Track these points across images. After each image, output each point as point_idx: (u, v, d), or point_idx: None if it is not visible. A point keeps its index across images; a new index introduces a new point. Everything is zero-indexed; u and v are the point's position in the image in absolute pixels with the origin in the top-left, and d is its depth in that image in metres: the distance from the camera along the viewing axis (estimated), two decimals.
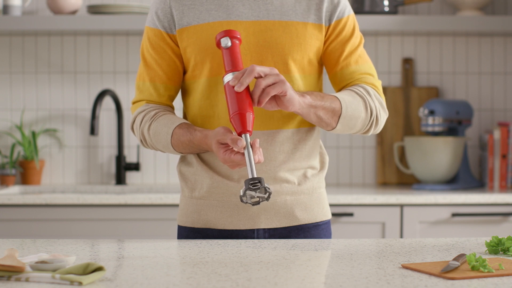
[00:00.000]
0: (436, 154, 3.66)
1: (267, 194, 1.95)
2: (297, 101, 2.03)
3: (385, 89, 3.96)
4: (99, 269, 1.61)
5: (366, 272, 1.69)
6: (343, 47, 2.22)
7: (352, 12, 2.24)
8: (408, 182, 3.97)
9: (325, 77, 3.93)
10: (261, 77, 1.99)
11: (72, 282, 1.57)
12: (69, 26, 3.68)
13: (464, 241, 2.10)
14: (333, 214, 3.40)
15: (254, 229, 2.19)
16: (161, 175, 3.98)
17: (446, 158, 3.66)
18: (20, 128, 3.89)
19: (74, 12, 3.80)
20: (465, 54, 4.01)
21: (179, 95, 3.85)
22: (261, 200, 1.96)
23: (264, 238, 2.19)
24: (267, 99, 1.99)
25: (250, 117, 1.96)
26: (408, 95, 3.97)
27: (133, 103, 2.27)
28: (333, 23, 2.19)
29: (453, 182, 3.78)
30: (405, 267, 1.74)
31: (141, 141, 2.24)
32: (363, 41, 2.26)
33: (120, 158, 3.90)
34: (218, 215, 2.20)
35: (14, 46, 3.94)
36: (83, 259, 1.86)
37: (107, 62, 3.96)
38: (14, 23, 3.67)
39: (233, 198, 2.18)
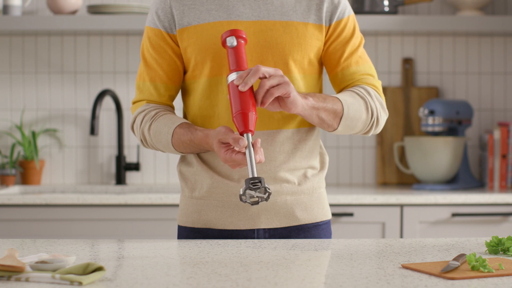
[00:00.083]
0: (436, 154, 3.66)
1: (267, 194, 1.95)
2: (300, 103, 2.04)
3: (385, 89, 3.96)
4: (99, 269, 1.61)
5: (366, 272, 1.69)
6: (343, 48, 2.22)
7: (352, 13, 2.24)
8: (408, 182, 3.97)
9: (325, 77, 3.93)
10: (265, 77, 1.99)
11: (72, 282, 1.57)
12: (69, 26, 3.68)
13: (464, 241, 2.10)
14: (333, 214, 3.40)
15: (254, 229, 2.19)
16: (161, 175, 3.98)
17: (446, 158, 3.66)
18: (20, 128, 3.89)
19: (74, 12, 3.80)
20: (465, 54, 4.01)
21: (179, 95, 3.85)
22: (260, 200, 1.96)
23: (264, 238, 2.19)
24: (270, 99, 1.99)
25: (253, 117, 1.96)
26: (408, 95, 3.97)
27: (133, 103, 2.27)
28: (333, 23, 2.19)
29: (453, 182, 3.78)
30: (405, 267, 1.74)
31: (141, 141, 2.24)
32: (363, 41, 2.26)
33: (120, 158, 3.90)
34: (218, 215, 2.20)
35: (14, 46, 3.94)
36: (83, 259, 1.86)
37: (107, 62, 3.96)
38: (14, 23, 3.67)
39: (233, 198, 2.18)
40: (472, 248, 2.00)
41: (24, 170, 3.87)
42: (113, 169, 3.97)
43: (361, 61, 2.24)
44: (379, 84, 2.25)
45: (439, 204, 3.46)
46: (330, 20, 2.20)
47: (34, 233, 3.41)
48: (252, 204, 1.96)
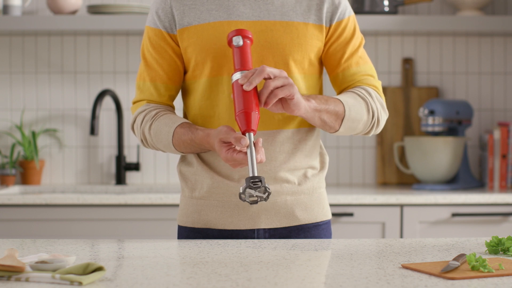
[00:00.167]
0: (436, 154, 3.66)
1: (266, 194, 1.95)
2: (303, 106, 2.04)
3: (385, 89, 3.96)
4: (99, 269, 1.61)
5: (366, 272, 1.69)
6: (344, 48, 2.22)
7: (352, 13, 2.24)
8: (408, 182, 3.97)
9: (326, 77, 3.93)
10: (270, 78, 1.99)
11: (72, 282, 1.57)
12: (69, 26, 3.68)
13: (464, 241, 2.10)
14: (333, 214, 3.40)
15: (254, 229, 2.19)
16: (161, 175, 3.98)
17: (446, 158, 3.66)
18: (20, 128, 3.89)
19: (74, 12, 3.80)
20: (465, 54, 4.01)
21: (180, 95, 3.85)
22: (259, 199, 1.96)
23: (264, 238, 2.19)
24: (274, 100, 1.99)
25: (255, 116, 1.97)
26: (408, 95, 3.97)
27: (134, 103, 2.27)
28: (334, 24, 2.19)
29: (453, 182, 3.78)
30: (405, 267, 1.74)
31: (141, 141, 2.24)
32: (363, 41, 2.26)
33: (120, 158, 3.90)
34: (218, 215, 2.20)
35: (14, 46, 3.94)
36: (83, 259, 1.86)
37: (107, 62, 3.96)
38: (14, 23, 3.67)
39: (234, 198, 2.18)
40: (472, 248, 2.00)
41: (24, 170, 3.87)
42: (113, 169, 3.97)
43: (362, 62, 2.24)
44: (379, 84, 2.26)
45: (439, 204, 3.46)
46: (331, 21, 2.20)
47: (34, 233, 3.41)
48: (251, 203, 1.96)
